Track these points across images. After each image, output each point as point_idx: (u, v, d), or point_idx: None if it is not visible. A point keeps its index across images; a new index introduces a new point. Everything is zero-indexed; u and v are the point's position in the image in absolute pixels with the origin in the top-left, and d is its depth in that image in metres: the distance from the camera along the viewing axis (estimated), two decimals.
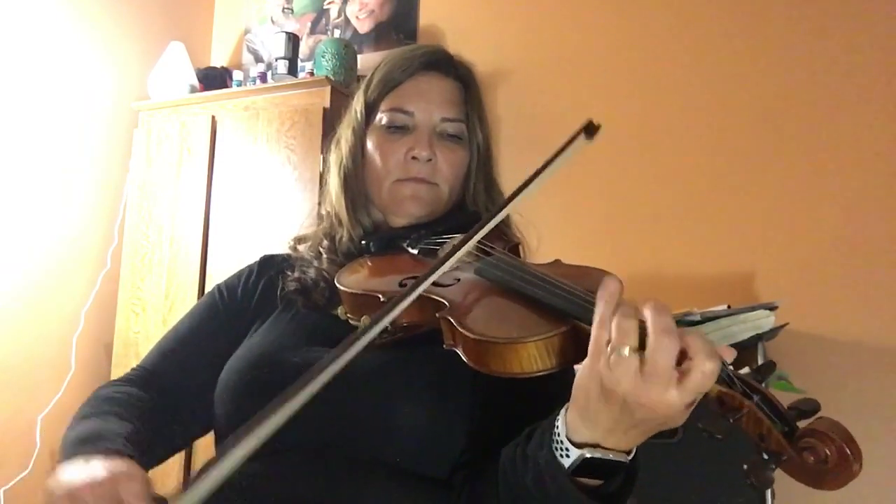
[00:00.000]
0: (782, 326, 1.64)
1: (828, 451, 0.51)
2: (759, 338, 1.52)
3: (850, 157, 1.93)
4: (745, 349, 1.52)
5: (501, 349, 0.63)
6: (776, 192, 1.99)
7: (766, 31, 2.08)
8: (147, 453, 0.79)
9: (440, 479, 0.79)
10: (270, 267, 1.02)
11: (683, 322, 1.54)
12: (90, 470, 0.63)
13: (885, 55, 1.93)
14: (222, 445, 0.57)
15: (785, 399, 0.57)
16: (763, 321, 1.53)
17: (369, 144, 0.99)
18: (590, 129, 0.75)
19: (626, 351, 0.54)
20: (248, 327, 0.95)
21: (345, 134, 1.02)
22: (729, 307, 1.61)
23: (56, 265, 2.31)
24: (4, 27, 2.18)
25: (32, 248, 2.24)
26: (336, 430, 0.78)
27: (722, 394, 0.55)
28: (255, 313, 0.96)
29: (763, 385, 0.58)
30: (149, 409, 0.87)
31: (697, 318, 1.53)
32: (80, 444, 0.73)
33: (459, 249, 0.72)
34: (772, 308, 1.55)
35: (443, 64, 1.01)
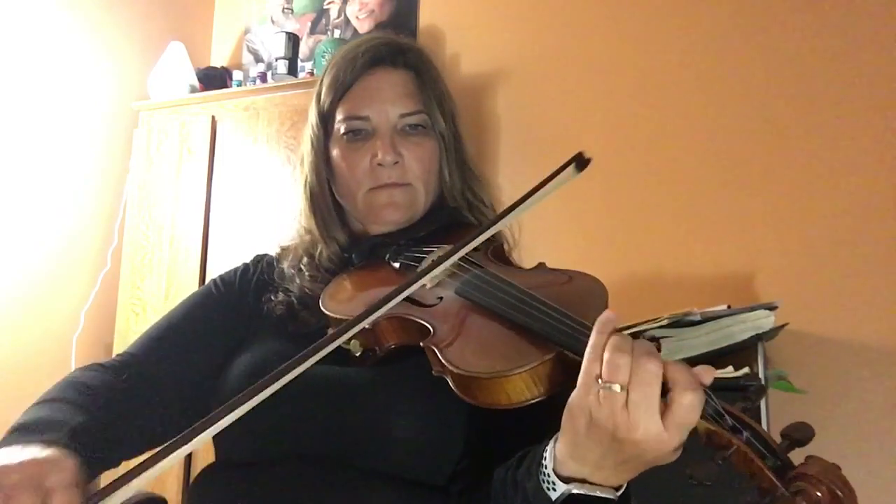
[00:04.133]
0: (782, 326, 1.64)
1: (819, 495, 0.50)
2: (759, 338, 1.51)
3: (850, 158, 1.93)
4: (745, 349, 1.52)
5: (488, 383, 0.63)
6: (776, 192, 1.99)
7: (765, 31, 2.08)
8: (110, 445, 0.76)
9: (439, 486, 0.78)
10: (262, 269, 1.00)
11: (683, 322, 1.54)
12: (20, 455, 0.60)
13: (886, 55, 1.93)
14: (177, 438, 0.57)
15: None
16: (763, 321, 1.52)
17: (334, 155, 0.95)
18: (580, 162, 0.72)
19: (617, 387, 0.54)
20: (245, 322, 0.93)
21: (305, 149, 0.99)
22: (729, 307, 1.61)
23: (56, 265, 2.30)
24: (4, 27, 2.18)
25: (32, 248, 2.23)
26: (333, 442, 0.78)
27: (710, 432, 0.55)
28: (251, 311, 0.94)
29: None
30: (120, 398, 0.82)
31: (697, 318, 1.53)
32: (20, 432, 0.70)
33: (425, 274, 0.71)
34: (772, 308, 1.54)
35: (387, 56, 0.95)
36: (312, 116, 0.97)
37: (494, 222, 0.75)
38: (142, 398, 0.85)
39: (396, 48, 0.96)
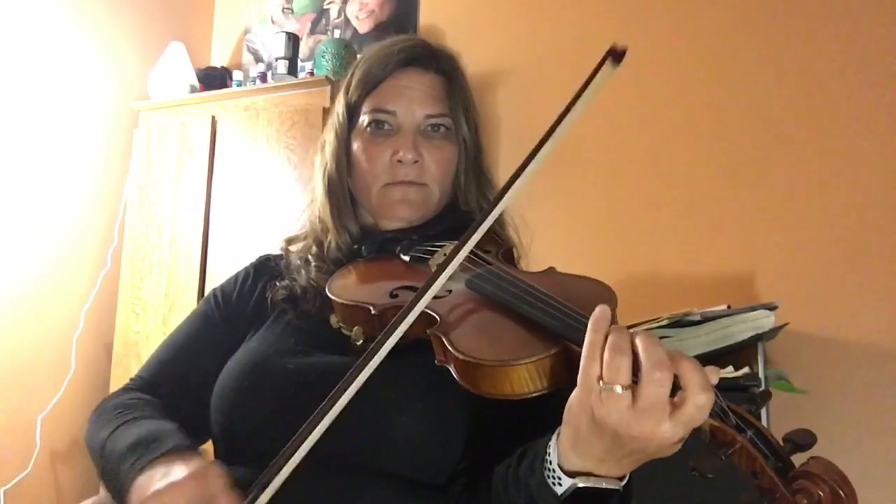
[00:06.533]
0: (782, 326, 1.64)
1: (821, 493, 0.50)
2: (759, 338, 1.51)
3: (850, 157, 1.93)
4: (745, 349, 1.52)
5: (492, 371, 0.63)
6: (776, 192, 1.99)
7: (765, 31, 2.08)
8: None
9: (438, 486, 0.78)
10: (266, 270, 1.00)
11: (683, 322, 1.54)
12: (173, 474, 0.64)
13: (885, 55, 1.93)
14: (265, 471, 0.61)
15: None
16: (763, 321, 1.52)
17: (355, 148, 0.96)
18: (615, 55, 0.67)
19: (618, 388, 0.54)
20: (245, 332, 0.94)
21: (328, 138, 1.00)
22: (729, 307, 1.61)
23: (56, 265, 2.30)
24: (5, 27, 2.18)
25: (33, 248, 2.23)
26: (333, 442, 0.77)
27: (714, 428, 0.55)
28: (251, 318, 0.95)
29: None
30: (161, 410, 0.85)
31: (697, 318, 1.53)
32: (135, 449, 0.71)
33: (458, 254, 0.71)
34: (772, 308, 1.55)
35: (422, 58, 0.97)
36: (339, 106, 0.98)
37: (542, 144, 0.73)
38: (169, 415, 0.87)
39: (431, 52, 0.98)
